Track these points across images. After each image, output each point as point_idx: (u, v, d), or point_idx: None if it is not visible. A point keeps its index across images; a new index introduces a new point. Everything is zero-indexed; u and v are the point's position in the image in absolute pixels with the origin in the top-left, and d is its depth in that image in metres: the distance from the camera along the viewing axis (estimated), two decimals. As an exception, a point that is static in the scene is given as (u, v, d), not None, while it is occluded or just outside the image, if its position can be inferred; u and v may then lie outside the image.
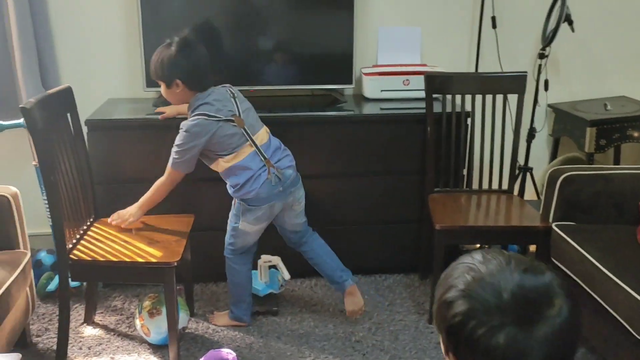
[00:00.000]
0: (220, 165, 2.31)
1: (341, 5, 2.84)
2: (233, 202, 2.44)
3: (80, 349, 2.39)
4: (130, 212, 2.36)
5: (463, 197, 2.75)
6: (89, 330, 2.51)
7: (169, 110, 2.56)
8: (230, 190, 2.38)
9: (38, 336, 2.46)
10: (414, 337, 2.48)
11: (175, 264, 2.14)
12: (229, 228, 2.45)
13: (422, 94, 2.70)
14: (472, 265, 0.90)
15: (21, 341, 2.34)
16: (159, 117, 2.56)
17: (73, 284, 2.70)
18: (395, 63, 3.01)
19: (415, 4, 3.06)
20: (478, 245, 3.16)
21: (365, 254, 2.90)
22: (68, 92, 2.31)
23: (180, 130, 2.24)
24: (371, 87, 2.95)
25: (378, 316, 2.63)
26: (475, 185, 2.81)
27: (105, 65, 2.93)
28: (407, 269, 2.98)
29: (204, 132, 2.20)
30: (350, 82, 2.94)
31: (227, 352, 2.03)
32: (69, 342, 2.39)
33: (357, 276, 2.92)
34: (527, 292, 0.85)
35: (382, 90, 2.94)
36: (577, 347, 0.88)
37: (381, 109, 2.84)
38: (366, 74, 2.95)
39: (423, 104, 2.70)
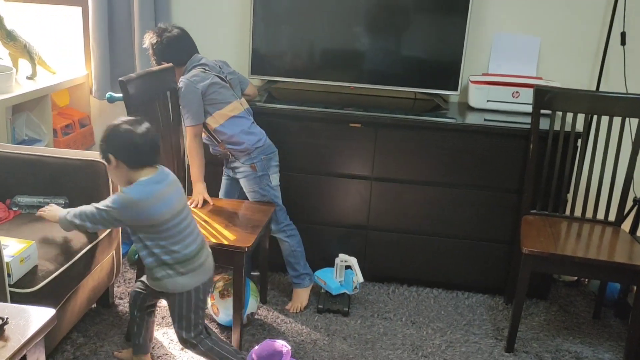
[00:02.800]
0: (223, 115, 2.41)
1: (455, 9, 2.72)
2: (243, 176, 2.51)
3: (156, 315, 2.48)
4: (197, 192, 2.45)
5: (561, 223, 2.53)
6: (164, 301, 2.61)
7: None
8: (240, 147, 2.45)
9: (120, 298, 2.61)
10: (485, 363, 2.34)
11: (246, 249, 2.16)
12: (267, 202, 2.52)
13: (531, 109, 2.51)
14: None
15: (103, 300, 2.49)
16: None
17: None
18: (507, 73, 2.85)
19: (537, 12, 2.86)
20: (575, 278, 2.92)
21: (449, 268, 2.78)
22: (170, 70, 2.41)
23: (180, 89, 2.37)
24: (477, 96, 2.80)
25: (451, 334, 2.50)
26: (577, 213, 2.58)
27: (216, 49, 3.03)
28: (492, 291, 2.82)
29: (201, 79, 2.38)
30: (455, 89, 2.81)
31: (281, 344, 2.02)
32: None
33: (437, 290, 2.82)
34: None
35: (488, 101, 2.79)
36: None
37: (485, 119, 2.69)
38: (473, 82, 2.81)
39: (530, 120, 2.52)
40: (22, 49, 2.81)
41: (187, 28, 3.04)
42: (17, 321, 1.18)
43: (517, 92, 2.74)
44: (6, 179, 2.31)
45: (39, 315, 1.20)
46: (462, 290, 2.83)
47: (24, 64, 2.91)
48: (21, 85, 2.76)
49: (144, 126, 1.88)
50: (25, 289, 1.82)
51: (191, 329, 1.98)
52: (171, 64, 2.45)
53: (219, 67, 2.51)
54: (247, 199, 2.56)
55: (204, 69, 2.43)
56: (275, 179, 2.55)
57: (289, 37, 2.85)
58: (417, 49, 2.82)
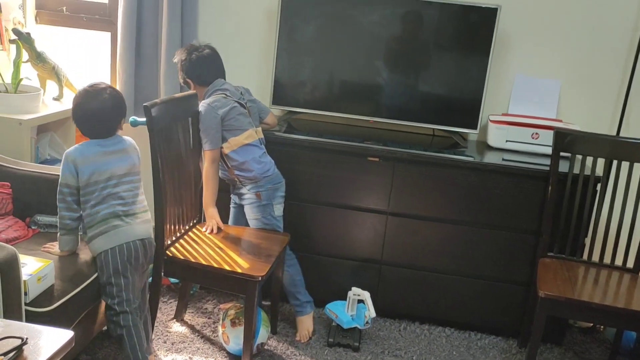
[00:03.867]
0: (237, 142, 2.45)
1: (478, 48, 2.74)
2: (248, 203, 2.53)
3: (165, 342, 2.48)
4: (209, 216, 2.47)
5: (579, 267, 2.50)
6: (176, 327, 2.61)
7: None
8: (249, 175, 2.48)
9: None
10: (496, 407, 2.29)
11: (260, 278, 2.15)
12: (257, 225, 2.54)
13: (550, 151, 2.51)
14: None
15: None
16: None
17: (173, 280, 2.84)
18: (527, 114, 2.85)
19: (559, 56, 2.88)
20: (591, 325, 2.87)
21: (462, 307, 2.75)
22: (193, 97, 2.44)
23: (201, 113, 2.42)
24: (496, 136, 2.81)
25: (462, 376, 2.46)
26: (595, 257, 2.55)
27: (239, 78, 3.07)
28: (506, 333, 2.77)
29: (222, 105, 2.43)
30: (474, 127, 2.82)
31: (291, 377, 2.00)
32: (156, 333, 2.50)
33: (449, 329, 2.78)
34: None
35: (507, 141, 2.79)
36: None
37: (503, 159, 2.69)
38: (493, 121, 2.82)
39: (549, 161, 2.52)
40: (50, 71, 2.87)
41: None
42: (36, 342, 1.18)
43: (536, 133, 2.74)
44: (27, 198, 2.34)
45: (57, 337, 1.20)
46: (475, 331, 2.79)
47: (51, 85, 2.97)
48: (47, 106, 2.81)
49: (98, 100, 2.06)
50: (40, 308, 1.83)
51: (114, 296, 2.03)
52: (193, 86, 2.52)
53: (241, 93, 2.55)
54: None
55: (225, 94, 2.47)
56: (278, 210, 2.55)
57: (311, 68, 2.88)
58: (438, 86, 2.84)
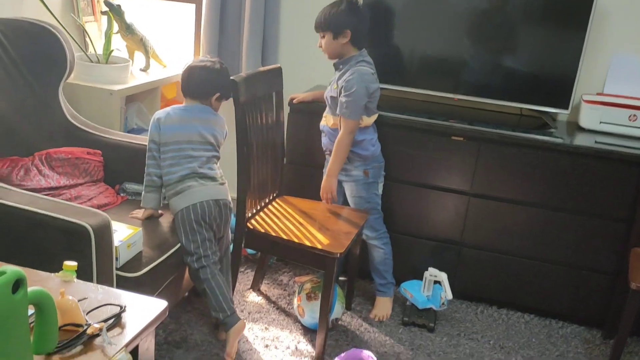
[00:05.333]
0: (366, 122, 2.43)
1: (573, 23, 2.59)
2: (352, 180, 2.50)
3: (241, 311, 2.54)
4: (329, 185, 2.44)
5: (675, 259, 2.36)
6: (252, 297, 2.67)
7: (303, 96, 2.67)
8: (364, 153, 2.45)
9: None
10: (577, 399, 2.22)
11: (339, 255, 2.15)
12: (368, 209, 2.52)
13: (649, 134, 2.37)
14: None
15: (196, 289, 2.56)
16: (294, 101, 2.65)
17: (250, 251, 2.89)
18: (624, 95, 2.68)
19: (663, 32, 2.68)
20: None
21: (544, 294, 2.66)
22: (277, 71, 2.44)
23: (349, 79, 2.32)
24: (589, 117, 2.66)
25: (542, 365, 2.39)
26: (693, 250, 2.40)
27: (319, 52, 3.04)
28: (590, 323, 2.67)
29: (372, 81, 2.37)
30: (566, 107, 2.68)
31: (368, 354, 1.99)
32: (233, 302, 2.56)
33: (529, 315, 2.71)
34: None
35: (601, 122, 2.64)
36: None
37: (596, 142, 2.55)
38: (587, 101, 2.67)
39: (647, 145, 2.37)
40: (138, 42, 2.94)
41: (292, 30, 3.08)
42: (133, 310, 1.23)
43: (634, 115, 2.58)
44: (117, 166, 2.43)
45: (153, 306, 1.25)
46: (556, 319, 2.70)
47: (138, 57, 3.04)
48: (135, 76, 2.89)
49: (203, 65, 2.21)
50: (130, 273, 1.90)
51: (192, 252, 2.11)
52: (335, 42, 2.37)
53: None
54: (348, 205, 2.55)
55: (372, 72, 2.40)
56: (380, 188, 2.55)
57: (395, 43, 2.81)
58: (528, 63, 2.71)
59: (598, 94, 2.74)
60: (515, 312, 2.73)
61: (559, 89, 2.67)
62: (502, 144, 2.53)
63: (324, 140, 2.53)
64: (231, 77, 2.14)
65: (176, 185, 2.12)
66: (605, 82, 2.77)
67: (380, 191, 2.56)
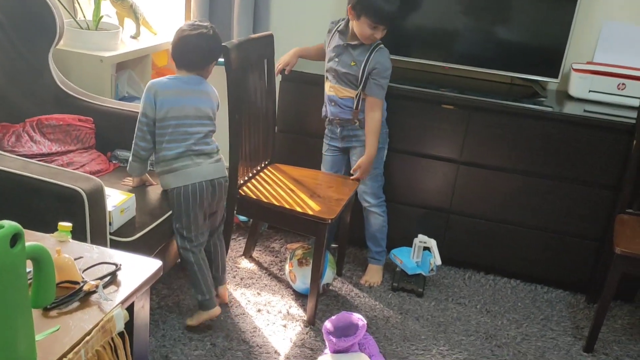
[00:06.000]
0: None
1: (565, -8, 2.60)
2: (363, 144, 2.51)
3: (234, 277, 2.58)
4: (369, 164, 2.47)
5: (659, 225, 2.41)
6: (244, 263, 2.70)
7: (287, 61, 2.63)
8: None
9: (203, 256, 2.71)
10: (562, 359, 2.28)
11: (330, 221, 2.18)
12: (374, 175, 2.56)
13: (638, 102, 2.39)
14: None
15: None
16: (286, 71, 2.63)
17: (242, 218, 2.92)
18: (614, 63, 2.70)
19: (654, 1, 2.69)
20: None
21: (530, 260, 2.71)
22: (269, 39, 2.44)
23: (382, 61, 2.40)
24: (579, 85, 2.68)
25: (528, 327, 2.45)
26: (677, 216, 2.45)
27: (311, 20, 3.04)
28: (574, 288, 2.73)
29: (390, 63, 2.46)
30: (555, 76, 2.70)
31: (358, 317, 2.04)
32: (226, 269, 2.60)
33: (515, 281, 2.76)
34: None
35: (590, 91, 2.66)
36: None
37: (585, 110, 2.57)
38: (576, 70, 2.69)
39: (635, 114, 2.40)
40: (128, 9, 2.92)
41: (285, 3, 3.05)
42: (128, 269, 1.25)
43: (623, 84, 2.61)
44: (108, 133, 2.43)
45: (148, 265, 1.27)
46: (542, 284, 2.76)
47: (128, 24, 3.02)
48: (125, 43, 2.87)
49: (198, 32, 2.08)
50: (123, 238, 1.92)
51: (180, 233, 2.12)
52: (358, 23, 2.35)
53: None
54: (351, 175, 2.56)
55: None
56: (385, 154, 2.60)
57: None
58: (518, 32, 2.72)
59: (588, 62, 2.76)
60: (502, 277, 2.79)
61: (549, 58, 2.69)
62: (492, 112, 2.55)
63: (333, 109, 2.51)
64: (223, 44, 2.13)
65: (171, 163, 2.06)
66: (595, 50, 2.78)
67: (384, 157, 2.60)
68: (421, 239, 2.60)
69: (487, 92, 2.68)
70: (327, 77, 2.52)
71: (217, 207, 2.23)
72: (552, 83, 2.81)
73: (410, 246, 2.64)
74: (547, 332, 2.44)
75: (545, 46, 2.69)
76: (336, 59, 2.46)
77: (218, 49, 2.15)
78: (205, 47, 2.10)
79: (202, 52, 2.11)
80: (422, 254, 2.62)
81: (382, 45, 2.43)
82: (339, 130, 2.55)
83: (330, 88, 2.51)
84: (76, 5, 2.91)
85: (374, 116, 2.43)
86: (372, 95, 2.42)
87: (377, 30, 2.36)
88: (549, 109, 2.56)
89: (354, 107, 2.47)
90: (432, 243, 2.57)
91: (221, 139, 2.37)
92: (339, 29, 2.48)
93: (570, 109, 2.60)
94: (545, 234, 2.66)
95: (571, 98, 2.73)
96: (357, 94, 2.45)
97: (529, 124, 2.54)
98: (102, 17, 2.76)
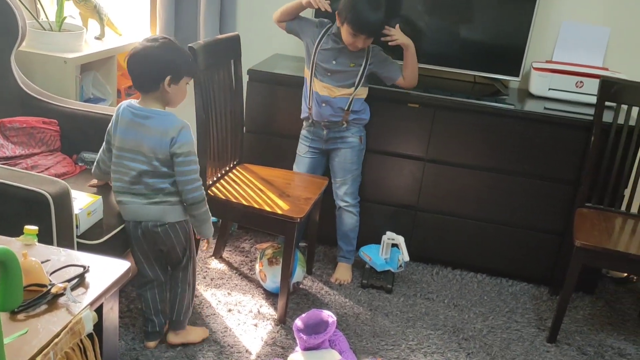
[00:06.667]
0: (364, 93, 2.58)
1: (524, -8, 2.67)
2: (349, 147, 2.58)
3: (204, 278, 2.58)
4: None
5: (616, 218, 2.50)
6: (215, 264, 2.70)
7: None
8: (364, 119, 2.59)
9: (172, 258, 2.70)
10: (526, 350, 2.34)
11: (299, 220, 2.20)
12: (355, 176, 2.63)
13: (595, 100, 2.47)
14: None
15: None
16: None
17: (212, 219, 2.91)
18: (572, 62, 2.79)
19: (607, 2, 2.78)
20: (624, 275, 2.88)
21: (495, 254, 2.78)
22: (235, 39, 2.45)
23: (378, 55, 2.49)
24: (539, 84, 2.76)
25: (493, 320, 2.51)
26: (634, 209, 2.54)
27: (268, 27, 3.04)
28: (538, 281, 2.80)
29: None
30: (517, 75, 2.77)
31: (328, 314, 2.07)
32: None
33: (481, 275, 2.83)
34: None
35: (550, 89, 2.74)
36: None
37: (545, 108, 2.65)
38: (536, 69, 2.76)
39: (593, 111, 2.48)
40: (92, 10, 2.89)
41: (251, 4, 3.06)
42: (97, 271, 1.25)
43: (581, 81, 2.69)
44: (74, 135, 2.41)
45: (116, 267, 1.27)
46: (507, 278, 2.82)
47: (93, 24, 2.99)
48: (90, 45, 2.84)
49: (142, 46, 1.85)
50: (90, 241, 1.91)
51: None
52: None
53: None
54: (327, 176, 2.61)
55: None
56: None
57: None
58: (481, 32, 2.78)
59: (547, 61, 2.83)
60: (469, 272, 2.84)
61: (511, 57, 2.75)
62: (456, 110, 2.61)
63: (323, 111, 2.50)
64: (189, 45, 2.12)
65: (116, 195, 1.97)
66: (554, 49, 2.86)
67: (362, 158, 2.66)
68: (389, 236, 2.64)
69: (452, 91, 2.73)
70: (316, 77, 2.50)
71: (164, 249, 2.01)
72: (514, 81, 2.88)
73: (379, 243, 2.68)
74: (512, 324, 2.50)
75: (507, 45, 2.75)
76: (333, 61, 2.46)
77: (169, 58, 1.85)
78: (149, 59, 1.83)
79: (147, 67, 1.84)
80: (390, 251, 2.66)
81: (375, 45, 2.48)
82: (325, 132, 2.57)
83: (323, 88, 2.49)
84: (38, 6, 2.87)
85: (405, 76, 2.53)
86: (394, 75, 2.52)
87: (357, 38, 2.36)
88: (511, 107, 2.63)
89: (346, 108, 2.49)
90: (400, 240, 2.61)
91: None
92: (333, 31, 2.47)
93: (531, 106, 2.67)
94: (509, 229, 2.73)
95: (532, 96, 2.80)
96: (352, 94, 2.48)
97: (491, 122, 2.60)
98: (65, 18, 2.73)
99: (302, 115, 2.60)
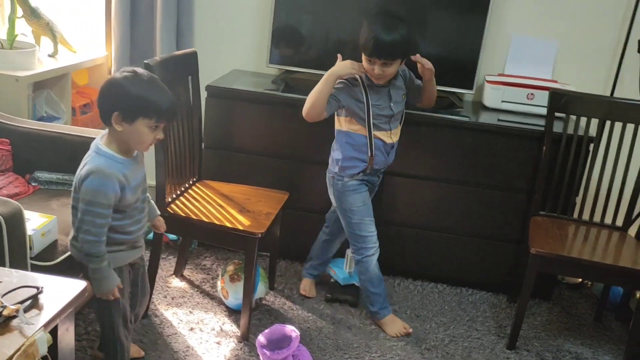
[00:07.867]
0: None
1: (475, 8, 2.74)
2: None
3: (165, 297, 2.54)
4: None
5: (569, 225, 2.57)
6: (175, 282, 2.67)
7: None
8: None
9: (131, 277, 2.65)
10: (487, 358, 2.38)
11: (260, 235, 2.20)
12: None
13: (545, 111, 2.55)
14: None
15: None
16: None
17: (172, 236, 2.88)
18: (523, 75, 2.87)
19: (556, 16, 2.88)
20: (579, 280, 2.96)
21: (455, 264, 2.82)
22: (193, 56, 2.44)
23: (406, 71, 2.46)
24: (492, 96, 2.83)
25: (454, 329, 2.54)
26: (585, 216, 2.62)
27: (235, 37, 3.06)
28: (497, 289, 2.86)
29: None
30: (470, 88, 2.84)
31: (291, 329, 2.06)
32: (156, 289, 2.56)
33: (442, 285, 2.86)
34: None
35: (503, 101, 2.82)
36: None
37: (499, 119, 2.72)
38: (489, 82, 2.84)
39: (544, 122, 2.56)
40: (45, 27, 2.84)
41: (207, 15, 3.07)
42: (51, 292, 1.22)
43: (532, 94, 2.77)
44: (27, 155, 2.36)
45: (71, 287, 1.24)
46: (467, 287, 2.87)
47: (46, 42, 2.94)
48: (43, 62, 2.79)
49: (110, 78, 1.72)
50: (45, 262, 1.86)
51: None
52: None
53: None
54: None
55: None
56: None
57: (309, 28, 2.87)
58: (434, 46, 2.84)
59: (499, 74, 2.91)
60: (429, 282, 2.88)
61: (464, 70, 2.82)
62: (412, 123, 2.64)
63: (392, 155, 2.43)
64: (145, 61, 2.10)
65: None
66: (505, 63, 2.95)
67: None
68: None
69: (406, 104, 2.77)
70: (377, 128, 2.32)
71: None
72: (468, 94, 2.95)
73: (343, 257, 2.69)
74: (473, 333, 2.54)
75: (460, 59, 2.82)
76: (391, 104, 2.33)
77: (122, 93, 1.65)
78: (104, 92, 1.70)
79: (100, 98, 1.71)
80: (354, 265, 2.67)
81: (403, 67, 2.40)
82: (379, 177, 2.53)
83: (390, 135, 2.38)
84: (-12, 23, 2.81)
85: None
86: (412, 100, 2.50)
87: (374, 64, 2.19)
88: (466, 119, 2.69)
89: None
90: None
91: (147, 156, 2.34)
92: (367, 83, 2.30)
93: (485, 118, 2.74)
94: (467, 239, 2.78)
95: (486, 108, 2.87)
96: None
97: (448, 134, 2.66)
98: (17, 35, 2.67)
99: (356, 171, 2.39)
